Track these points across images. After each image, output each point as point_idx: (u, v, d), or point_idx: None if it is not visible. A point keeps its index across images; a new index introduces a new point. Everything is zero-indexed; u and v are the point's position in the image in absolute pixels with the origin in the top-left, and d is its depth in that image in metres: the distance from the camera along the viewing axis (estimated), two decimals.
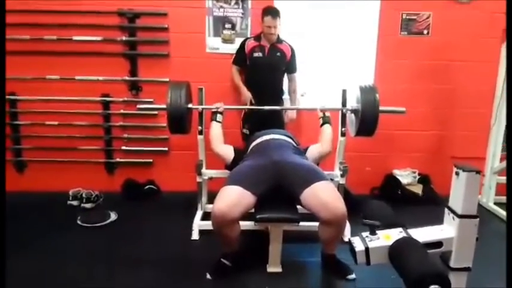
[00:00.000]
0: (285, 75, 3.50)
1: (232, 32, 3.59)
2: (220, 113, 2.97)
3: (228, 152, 2.84)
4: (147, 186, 3.75)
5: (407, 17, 3.62)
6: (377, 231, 1.10)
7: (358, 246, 1.08)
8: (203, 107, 3.01)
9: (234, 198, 2.21)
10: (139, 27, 3.58)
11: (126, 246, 2.82)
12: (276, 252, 2.43)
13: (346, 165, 2.98)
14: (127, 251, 2.73)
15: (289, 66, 3.46)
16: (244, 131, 3.47)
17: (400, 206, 3.61)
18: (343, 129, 3.07)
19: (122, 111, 3.71)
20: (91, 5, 3.50)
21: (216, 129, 2.92)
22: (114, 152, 3.80)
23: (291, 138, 2.78)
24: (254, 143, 2.68)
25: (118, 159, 3.81)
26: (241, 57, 3.41)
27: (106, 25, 3.54)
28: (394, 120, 3.35)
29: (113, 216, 3.22)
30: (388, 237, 1.09)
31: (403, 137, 3.84)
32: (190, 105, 2.95)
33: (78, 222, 3.12)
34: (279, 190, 2.34)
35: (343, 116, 3.07)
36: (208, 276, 2.38)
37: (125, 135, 3.75)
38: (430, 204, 3.67)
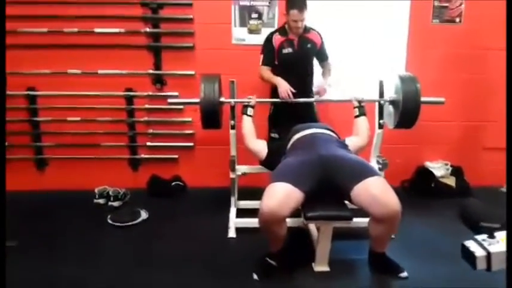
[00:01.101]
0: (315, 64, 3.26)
1: (259, 22, 3.46)
2: (252, 106, 2.87)
3: (262, 147, 2.75)
4: (174, 183, 3.64)
5: (439, 4, 3.50)
6: (495, 234, 1.01)
7: (478, 251, 0.99)
8: (235, 100, 2.90)
9: (283, 195, 2.12)
10: (163, 18, 3.44)
11: (162, 245, 2.74)
12: (324, 251, 2.35)
13: (385, 159, 2.89)
14: (164, 250, 2.65)
15: (321, 55, 3.20)
16: (273, 135, 3.16)
17: (434, 199, 3.60)
18: (381, 121, 2.98)
19: (146, 106, 3.60)
20: None
21: (248, 124, 2.83)
22: (139, 148, 3.70)
23: (333, 131, 2.68)
24: (296, 137, 2.58)
25: (143, 156, 3.70)
26: (271, 57, 3.06)
27: (128, 16, 3.40)
28: (425, 110, 3.22)
29: (144, 214, 3.12)
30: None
31: (434, 128, 3.73)
32: (222, 99, 2.85)
33: (109, 221, 3.02)
34: (325, 186, 2.25)
35: (381, 107, 2.98)
36: (255, 276, 2.29)
37: (150, 131, 3.64)
38: (463, 197, 3.61)
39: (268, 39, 3.09)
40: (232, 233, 2.83)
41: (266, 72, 3.06)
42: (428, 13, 3.53)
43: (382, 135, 2.99)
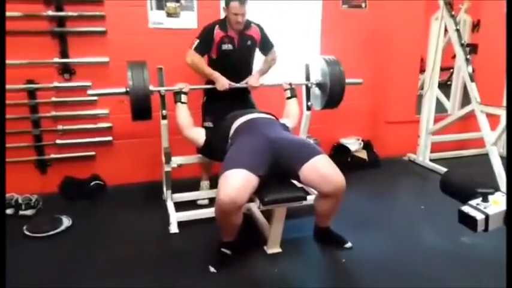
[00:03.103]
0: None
1: (177, 4, 3.29)
2: (185, 93, 2.75)
3: (200, 134, 2.70)
4: (93, 182, 3.31)
5: None
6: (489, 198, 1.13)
7: (478, 215, 1.10)
8: (166, 88, 2.74)
9: (241, 182, 2.08)
10: None
11: (99, 252, 2.47)
12: (277, 233, 2.38)
13: (316, 138, 3.04)
14: (103, 258, 2.40)
15: (264, 47, 3.06)
16: (206, 124, 2.99)
17: (352, 172, 3.88)
18: (309, 103, 3.10)
19: (53, 99, 3.18)
20: None
21: (184, 112, 2.73)
22: (47, 147, 3.27)
23: (273, 115, 2.70)
24: (238, 123, 2.53)
25: (52, 156, 3.29)
26: (207, 48, 2.86)
27: None
28: None
29: (66, 221, 2.78)
30: (496, 202, 1.13)
31: (345, 107, 4.00)
32: (151, 88, 2.66)
33: (26, 232, 2.63)
34: (275, 168, 2.27)
35: (308, 90, 3.10)
36: (212, 269, 2.23)
37: (60, 127, 3.24)
38: (374, 168, 4.02)
39: (211, 30, 2.86)
40: (174, 229, 2.69)
41: (201, 61, 2.86)
42: None
43: (310, 117, 3.13)
